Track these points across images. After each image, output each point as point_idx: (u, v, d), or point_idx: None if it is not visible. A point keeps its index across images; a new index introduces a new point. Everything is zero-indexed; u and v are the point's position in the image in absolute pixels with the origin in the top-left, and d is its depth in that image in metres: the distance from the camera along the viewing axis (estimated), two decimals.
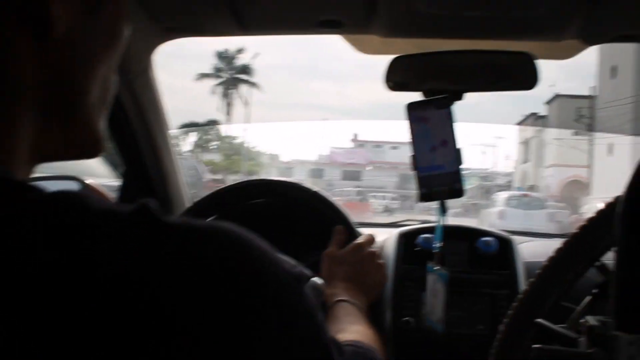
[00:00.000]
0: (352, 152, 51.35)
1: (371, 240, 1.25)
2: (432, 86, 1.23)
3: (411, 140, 1.18)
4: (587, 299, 0.84)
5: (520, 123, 38.80)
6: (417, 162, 1.18)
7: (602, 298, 0.80)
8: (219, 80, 40.34)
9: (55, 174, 1.56)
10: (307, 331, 0.46)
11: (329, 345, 0.48)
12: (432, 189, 1.18)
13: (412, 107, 1.19)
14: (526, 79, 1.20)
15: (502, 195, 18.55)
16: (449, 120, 1.17)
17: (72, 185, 1.67)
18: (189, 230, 0.41)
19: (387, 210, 26.87)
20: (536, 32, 1.20)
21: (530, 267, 1.35)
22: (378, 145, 52.77)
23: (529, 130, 36.85)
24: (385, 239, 1.45)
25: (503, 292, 1.30)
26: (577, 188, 30.33)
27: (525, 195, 18.68)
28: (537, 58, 1.17)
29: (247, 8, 1.16)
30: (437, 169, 1.17)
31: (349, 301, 1.06)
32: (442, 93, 1.19)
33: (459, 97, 1.19)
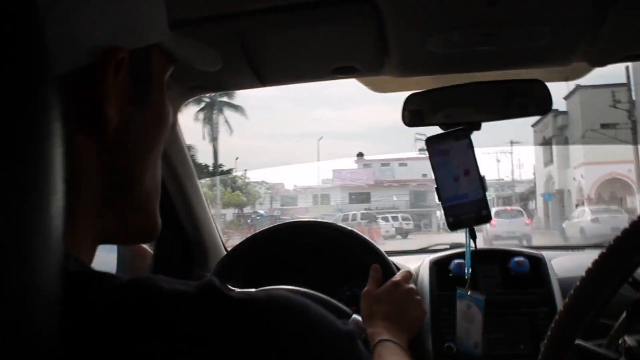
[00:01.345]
0: (357, 173, 47.79)
1: (408, 276, 1.26)
2: (447, 120, 1.26)
3: (434, 172, 1.22)
4: (624, 316, 0.86)
5: (536, 123, 34.67)
6: (441, 193, 1.22)
7: (637, 315, 0.82)
8: (201, 105, 35.66)
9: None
10: None
11: None
12: (459, 217, 1.21)
13: (431, 141, 1.22)
14: (540, 104, 1.23)
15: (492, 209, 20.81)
16: (469, 149, 1.20)
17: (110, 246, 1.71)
18: (254, 303, 0.46)
19: (401, 232, 26.38)
20: (544, 59, 1.23)
21: (564, 283, 1.37)
22: (385, 163, 49.56)
23: (549, 130, 32.97)
24: (419, 266, 1.48)
25: (542, 310, 1.32)
26: (618, 187, 27.68)
27: (506, 210, 23.52)
28: (547, 81, 1.21)
29: (265, 64, 1.21)
30: (461, 198, 1.20)
31: (391, 340, 1.07)
32: (458, 125, 1.22)
33: (477, 127, 1.23)
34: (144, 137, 0.54)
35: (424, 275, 1.43)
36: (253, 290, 0.49)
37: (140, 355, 0.40)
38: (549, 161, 34.85)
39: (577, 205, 27.18)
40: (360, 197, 44.33)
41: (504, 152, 39.48)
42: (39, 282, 0.33)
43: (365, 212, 30.32)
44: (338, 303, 1.19)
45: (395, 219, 30.68)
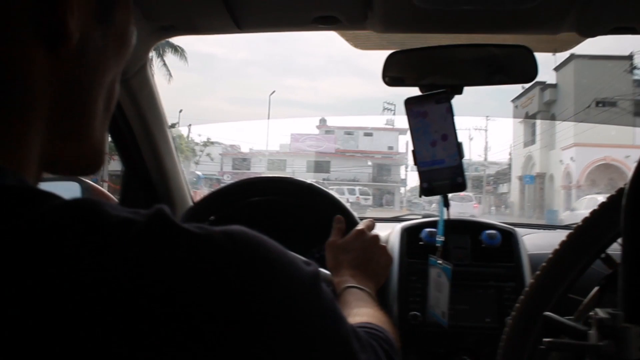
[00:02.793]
0: (318, 139, 43.70)
1: (371, 225, 1.25)
2: (429, 81, 1.23)
3: (411, 135, 1.18)
4: (594, 291, 0.84)
5: (518, 98, 31.30)
6: (417, 157, 1.18)
7: (609, 290, 0.80)
8: None
9: (57, 176, 1.55)
10: (327, 326, 0.46)
11: (350, 337, 0.49)
12: (433, 183, 1.18)
13: (411, 102, 1.18)
14: (525, 72, 1.20)
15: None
16: (449, 114, 1.16)
17: (74, 187, 1.66)
18: (206, 235, 0.41)
19: (357, 208, 24.26)
20: (532, 25, 1.19)
21: (534, 259, 1.35)
22: (349, 132, 45.17)
23: (534, 104, 28.95)
24: (389, 233, 1.45)
25: (509, 284, 1.30)
26: (611, 174, 23.44)
27: (459, 195, 22.23)
28: (535, 51, 1.17)
29: (241, 6, 1.15)
30: (438, 164, 1.17)
31: (357, 287, 1.05)
32: (439, 88, 1.19)
33: (459, 91, 1.19)
34: (103, 56, 0.50)
35: (394, 242, 1.40)
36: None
37: (75, 284, 0.36)
38: (530, 141, 31.11)
39: (577, 192, 23.79)
40: (318, 165, 41.66)
41: (478, 128, 36.19)
42: None
43: (320, 182, 28.65)
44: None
45: (352, 192, 28.94)
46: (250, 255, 0.42)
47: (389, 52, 1.23)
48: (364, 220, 1.28)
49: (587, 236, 0.85)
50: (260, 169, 37.13)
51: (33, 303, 0.35)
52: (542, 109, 28.56)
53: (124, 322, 0.35)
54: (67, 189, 1.64)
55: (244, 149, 41.74)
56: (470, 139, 36.69)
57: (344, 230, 1.23)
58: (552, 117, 28.39)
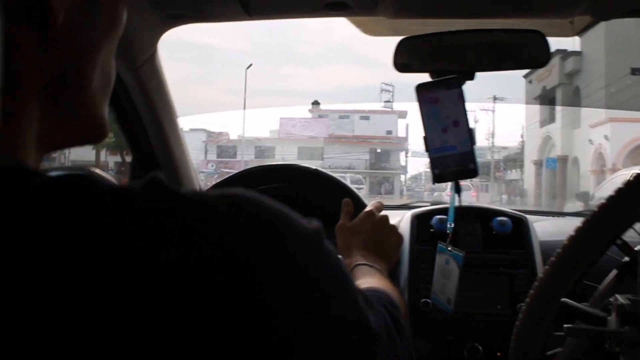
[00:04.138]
0: (309, 124, 40.60)
1: (380, 206, 1.26)
2: (440, 67, 1.22)
3: (422, 121, 1.17)
4: (611, 277, 0.83)
5: (531, 72, 26.27)
6: (428, 143, 1.17)
7: (627, 276, 0.80)
8: None
9: (63, 166, 1.56)
10: (333, 283, 0.46)
11: (356, 294, 0.48)
12: (445, 170, 1.17)
13: (422, 88, 1.17)
14: (537, 57, 1.18)
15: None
16: (460, 100, 1.16)
17: None
18: (202, 198, 0.41)
19: None
20: (545, 9, 1.18)
21: (545, 246, 1.34)
22: (344, 115, 41.63)
23: (553, 76, 24.47)
24: (399, 220, 1.44)
25: (520, 271, 1.30)
26: None
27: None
28: (547, 36, 1.16)
29: None
30: (449, 150, 1.16)
31: (367, 264, 1.06)
32: (450, 74, 1.18)
33: (470, 77, 1.18)
34: (93, 35, 0.50)
35: (405, 229, 1.40)
36: None
37: (69, 257, 0.35)
38: (548, 119, 26.73)
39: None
40: (310, 152, 38.15)
41: (485, 109, 33.01)
42: None
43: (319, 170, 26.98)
44: None
45: (342, 179, 26.83)
46: (250, 216, 0.42)
47: (398, 38, 1.22)
48: (373, 202, 1.29)
49: (603, 222, 0.84)
50: (247, 157, 34.34)
51: (29, 279, 0.34)
52: (563, 82, 24.31)
53: (123, 293, 0.35)
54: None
55: (233, 136, 38.90)
56: (476, 122, 33.06)
57: (352, 213, 1.24)
58: (576, 91, 23.83)
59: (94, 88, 0.51)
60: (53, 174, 0.40)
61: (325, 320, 0.44)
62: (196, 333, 0.35)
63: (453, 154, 1.16)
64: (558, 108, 25.63)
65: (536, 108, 28.07)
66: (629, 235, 0.82)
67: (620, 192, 0.83)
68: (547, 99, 26.58)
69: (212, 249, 0.38)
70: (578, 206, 12.72)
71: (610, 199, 0.84)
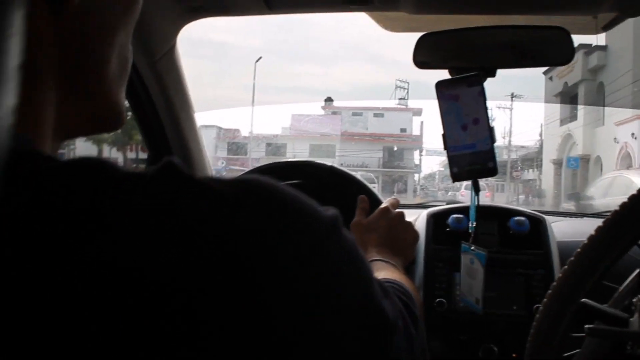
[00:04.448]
0: (322, 121, 38.50)
1: (396, 203, 1.26)
2: (458, 64, 1.21)
3: (441, 118, 1.16)
4: (632, 277, 0.82)
5: (551, 69, 24.73)
6: (447, 141, 1.16)
7: None
8: None
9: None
10: (349, 270, 0.45)
11: (372, 282, 0.48)
12: (463, 168, 1.16)
13: (442, 85, 1.16)
14: (560, 54, 1.17)
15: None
16: (481, 97, 1.14)
17: None
18: (219, 183, 0.40)
19: None
20: (570, 6, 1.16)
21: (563, 246, 1.33)
22: (357, 112, 40.07)
23: (576, 72, 22.94)
24: (415, 219, 1.43)
25: (538, 272, 1.28)
26: None
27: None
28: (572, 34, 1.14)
29: None
30: (468, 148, 1.15)
31: (382, 260, 1.05)
32: (470, 70, 1.16)
33: (492, 74, 1.17)
34: (109, 17, 0.49)
35: (421, 228, 1.39)
36: None
37: (74, 247, 0.34)
38: (568, 117, 25.39)
39: None
40: (322, 149, 36.42)
41: (502, 107, 31.28)
42: None
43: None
44: None
45: None
46: (265, 200, 0.41)
47: (416, 35, 1.21)
48: (388, 199, 1.29)
49: (625, 222, 0.82)
50: (257, 154, 33.23)
51: (29, 273, 0.33)
52: (586, 78, 22.84)
53: (123, 292, 0.34)
54: None
55: (245, 133, 36.81)
56: (493, 120, 33.00)
57: (368, 209, 1.24)
58: (600, 87, 22.43)
59: (111, 73, 0.50)
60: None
61: (341, 309, 0.43)
62: (196, 333, 0.34)
63: (472, 152, 1.15)
64: (580, 105, 24.46)
65: (556, 106, 27.06)
66: None
67: None
68: (568, 95, 25.31)
69: (225, 230, 0.37)
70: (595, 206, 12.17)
71: (633, 198, 0.82)
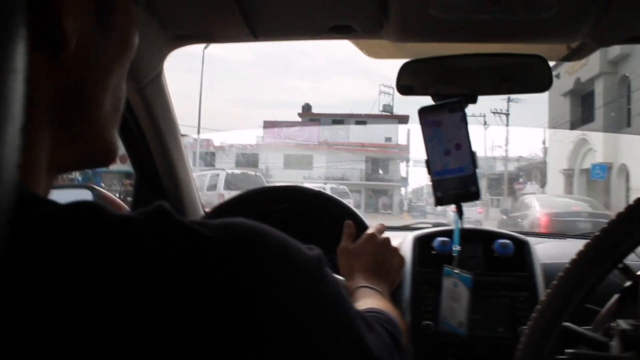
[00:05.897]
0: (297, 129, 36.11)
1: (382, 228, 1.27)
2: (442, 90, 1.23)
3: (424, 144, 1.19)
4: (612, 301, 0.83)
5: (558, 65, 17.93)
6: (431, 166, 1.18)
7: (628, 300, 0.80)
8: None
9: (69, 184, 1.57)
10: (333, 310, 0.47)
11: (356, 320, 0.49)
12: (447, 192, 1.18)
13: (425, 111, 1.19)
14: (539, 81, 1.20)
15: None
16: (462, 123, 1.17)
17: (86, 194, 1.67)
18: (206, 229, 0.42)
19: None
20: (547, 35, 1.20)
21: (547, 268, 1.35)
22: (338, 119, 37.53)
23: (591, 66, 18.75)
24: (400, 242, 1.45)
25: (522, 294, 1.30)
26: None
27: None
28: (549, 60, 1.17)
29: (258, 15, 1.15)
30: (451, 173, 1.17)
31: (368, 286, 1.07)
32: (452, 97, 1.19)
33: (473, 100, 1.20)
34: (104, 59, 0.50)
35: (407, 252, 1.40)
36: None
37: (80, 282, 0.36)
38: (581, 118, 21.08)
39: None
40: (298, 160, 34.06)
41: (497, 112, 28.52)
42: None
43: (300, 181, 20.71)
44: None
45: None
46: (251, 245, 0.43)
47: (402, 61, 1.24)
48: (375, 225, 1.30)
49: (605, 245, 0.84)
50: (227, 165, 29.33)
51: (33, 304, 0.35)
52: (605, 71, 18.51)
53: (124, 320, 0.36)
54: (79, 196, 1.65)
55: (216, 142, 34.59)
56: (486, 127, 29.10)
57: (354, 235, 1.25)
58: (623, 80, 18.08)
59: (105, 112, 0.51)
60: (58, 191, 0.41)
61: (325, 347, 0.45)
62: None
63: (455, 177, 1.17)
64: (597, 104, 19.56)
65: (563, 107, 22.44)
66: (631, 259, 0.82)
67: (621, 216, 0.83)
68: (581, 93, 21.18)
69: (212, 278, 0.39)
70: None
71: (612, 222, 0.84)
